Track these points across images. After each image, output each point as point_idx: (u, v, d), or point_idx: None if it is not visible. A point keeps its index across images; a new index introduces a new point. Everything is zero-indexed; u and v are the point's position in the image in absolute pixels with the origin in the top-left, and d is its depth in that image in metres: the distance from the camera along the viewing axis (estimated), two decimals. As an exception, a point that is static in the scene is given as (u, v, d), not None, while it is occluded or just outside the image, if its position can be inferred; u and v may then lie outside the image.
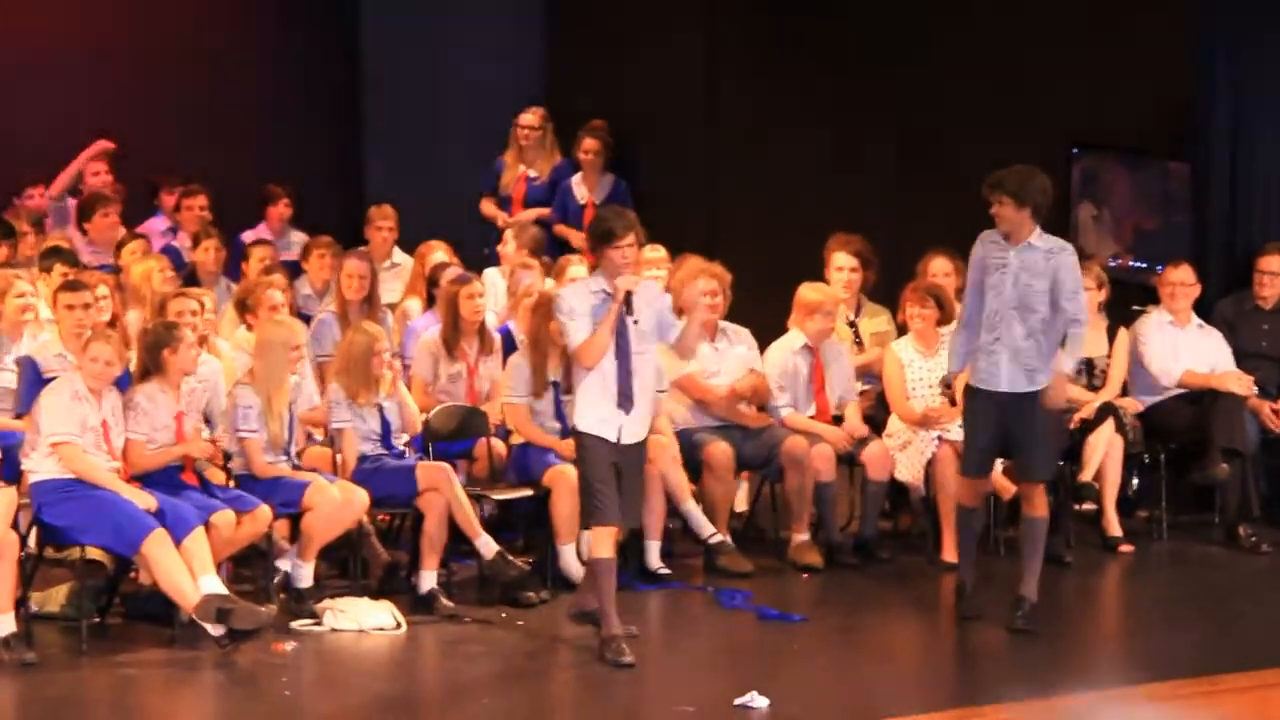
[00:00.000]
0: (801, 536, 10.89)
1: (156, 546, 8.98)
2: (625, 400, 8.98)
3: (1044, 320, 9.56)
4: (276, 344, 9.89)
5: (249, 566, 9.96)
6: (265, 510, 9.45)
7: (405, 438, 10.32)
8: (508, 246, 12.76)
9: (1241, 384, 11.55)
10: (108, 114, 14.46)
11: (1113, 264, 12.75)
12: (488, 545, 9.88)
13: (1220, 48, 12.47)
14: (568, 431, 10.43)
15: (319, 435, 10.45)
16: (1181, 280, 11.78)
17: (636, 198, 14.00)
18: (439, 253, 12.30)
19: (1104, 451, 11.21)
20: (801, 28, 14.23)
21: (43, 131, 14.16)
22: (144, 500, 9.11)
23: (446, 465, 10.07)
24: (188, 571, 9.01)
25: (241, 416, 9.75)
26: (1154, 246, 12.71)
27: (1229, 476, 11.29)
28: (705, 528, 10.65)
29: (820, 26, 14.11)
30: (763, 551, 11.05)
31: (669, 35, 14.90)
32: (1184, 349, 11.72)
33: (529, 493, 10.39)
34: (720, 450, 10.81)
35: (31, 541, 9.25)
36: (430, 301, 11.82)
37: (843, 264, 11.76)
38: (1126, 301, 12.23)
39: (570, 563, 10.23)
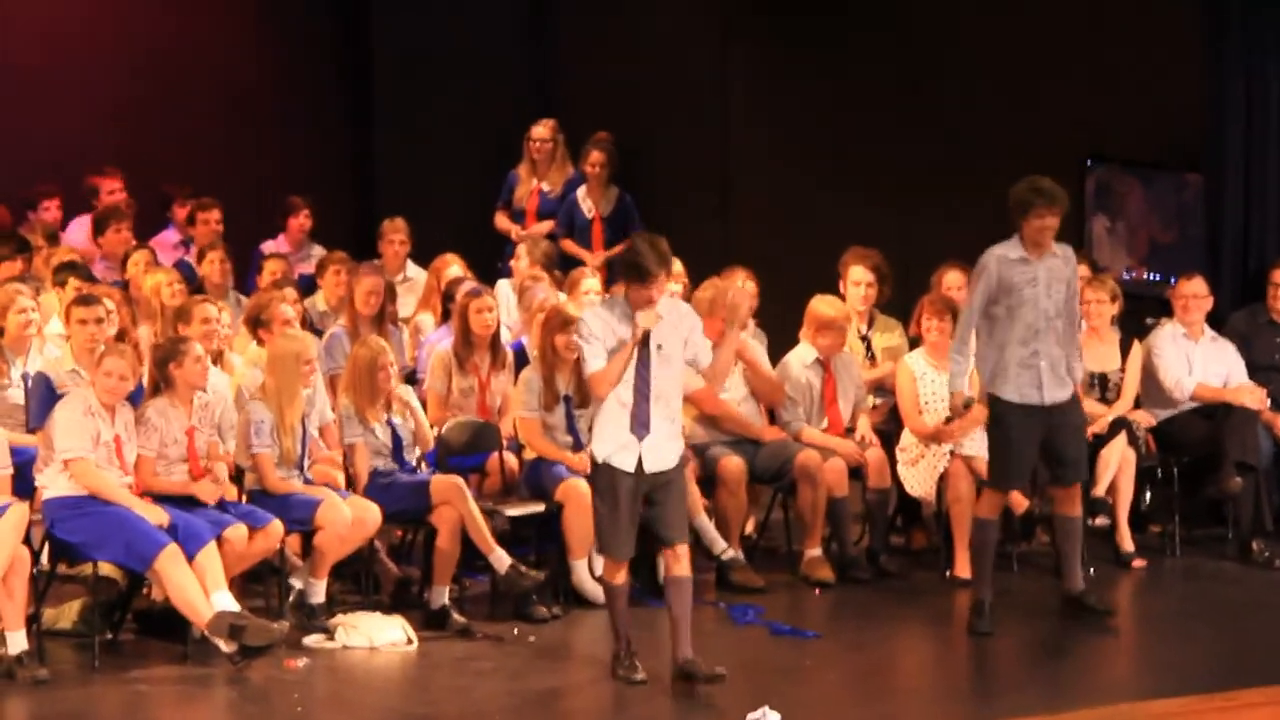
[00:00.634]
0: (814, 551, 10.88)
1: (169, 562, 8.98)
2: (640, 427, 8.65)
3: (1068, 325, 9.69)
4: (288, 358, 9.88)
5: (261, 582, 9.95)
6: (278, 526, 9.44)
7: (418, 452, 10.31)
8: (520, 261, 12.75)
9: (1255, 397, 11.53)
10: (120, 127, 14.50)
11: (1126, 277, 12.76)
12: (500, 560, 9.86)
13: (1234, 60, 12.47)
14: (580, 445, 10.46)
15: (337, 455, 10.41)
16: (1195, 293, 11.77)
17: (646, 210, 14.02)
18: (454, 267, 12.29)
19: (1117, 466, 11.20)
20: (815, 41, 14.24)
21: (57, 145, 14.19)
22: (156, 516, 9.10)
23: (459, 480, 10.06)
24: (200, 587, 9.01)
25: (254, 431, 9.74)
26: (1168, 259, 12.72)
27: (1242, 490, 11.27)
28: (717, 543, 10.64)
29: (834, 40, 14.12)
30: (775, 566, 11.04)
31: (681, 47, 14.91)
32: (1197, 362, 11.70)
33: (541, 507, 10.38)
34: (733, 465, 10.80)
35: (44, 558, 9.26)
36: (446, 315, 11.81)
37: (860, 278, 11.74)
38: (1140, 314, 12.23)
39: (583, 578, 10.23)
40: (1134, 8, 12.92)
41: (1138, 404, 11.65)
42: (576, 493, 10.18)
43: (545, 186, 14.30)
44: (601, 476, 8.76)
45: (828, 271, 11.94)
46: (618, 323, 8.66)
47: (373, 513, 9.75)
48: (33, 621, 9.01)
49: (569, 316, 10.48)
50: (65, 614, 9.56)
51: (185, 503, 9.37)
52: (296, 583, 9.80)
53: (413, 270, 13.20)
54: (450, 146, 15.15)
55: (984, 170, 13.34)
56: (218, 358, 10.56)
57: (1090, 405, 11.27)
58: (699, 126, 14.84)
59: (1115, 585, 11.02)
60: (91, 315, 10.07)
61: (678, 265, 11.78)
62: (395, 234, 13.26)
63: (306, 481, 9.90)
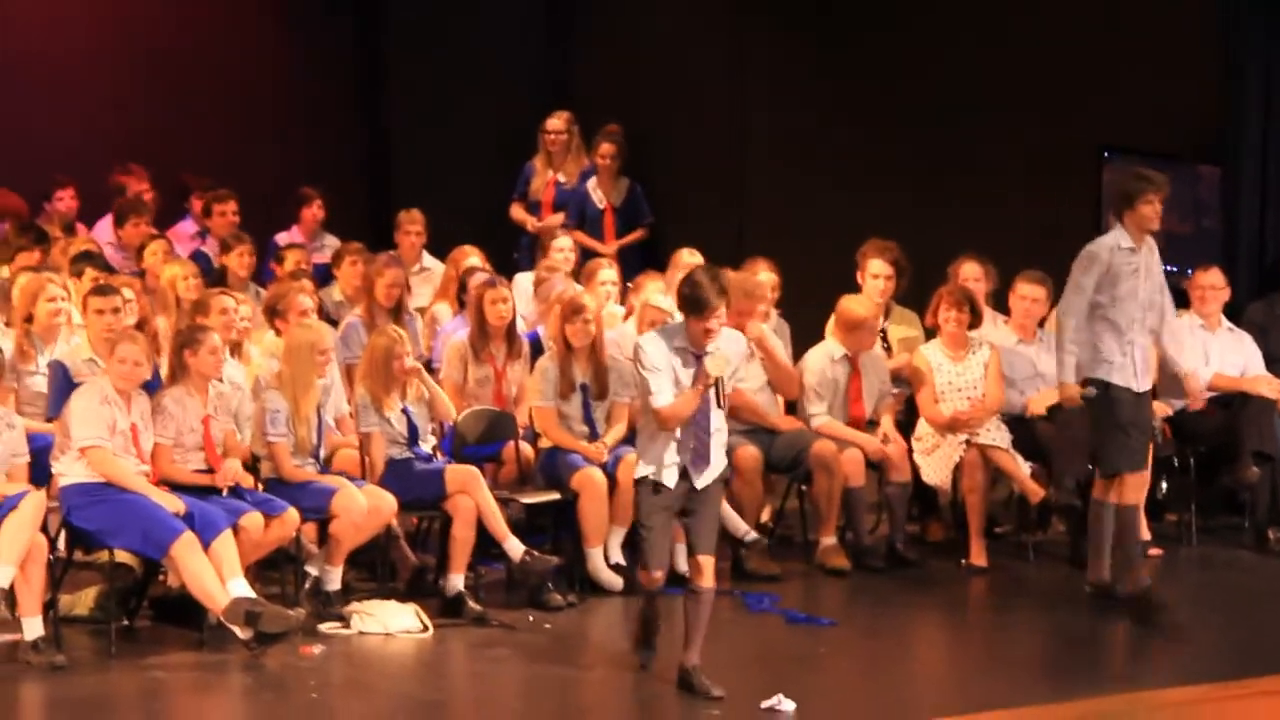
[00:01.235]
0: (829, 540, 10.88)
1: (185, 550, 8.99)
2: (700, 460, 8.44)
3: (1156, 317, 9.96)
4: (303, 348, 9.90)
5: (277, 569, 9.96)
6: (293, 514, 9.45)
7: (433, 441, 10.32)
8: (557, 256, 12.61)
9: (1272, 387, 11.54)
10: (136, 118, 14.53)
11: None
12: (515, 548, 9.87)
13: (1251, 51, 12.46)
14: (596, 435, 10.47)
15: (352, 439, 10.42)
16: (1211, 284, 11.78)
17: (659, 201, 14.05)
18: (473, 258, 12.30)
19: (1134, 455, 11.17)
20: (827, 32, 14.24)
21: (72, 135, 14.23)
22: (172, 503, 9.12)
23: (475, 468, 10.07)
24: (216, 575, 9.02)
25: (270, 420, 9.76)
26: (1184, 250, 12.68)
27: (1258, 480, 11.27)
28: (739, 526, 10.58)
29: (847, 31, 14.11)
30: (791, 555, 11.04)
31: (695, 38, 14.92)
32: (1214, 352, 11.70)
33: (556, 496, 10.39)
34: (749, 454, 10.81)
35: (60, 545, 9.27)
36: (462, 306, 11.83)
37: (879, 271, 11.69)
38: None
39: (598, 566, 10.25)
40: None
41: (1155, 395, 11.63)
42: (592, 482, 10.20)
43: (561, 178, 14.33)
44: (643, 487, 8.52)
45: (840, 262, 11.93)
46: (674, 354, 8.42)
47: (388, 501, 9.76)
48: (49, 608, 9.02)
49: (580, 304, 10.50)
50: (81, 600, 9.58)
51: (201, 491, 9.39)
52: (312, 570, 9.82)
53: (429, 261, 13.22)
54: (466, 138, 15.18)
55: (1000, 162, 13.36)
56: (236, 349, 10.58)
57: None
58: (712, 118, 14.85)
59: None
60: (108, 305, 10.09)
61: (697, 256, 11.81)
62: (411, 225, 13.28)
63: (322, 470, 9.92)
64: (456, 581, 9.84)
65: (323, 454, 9.96)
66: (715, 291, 8.33)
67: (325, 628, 9.51)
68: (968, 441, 10.98)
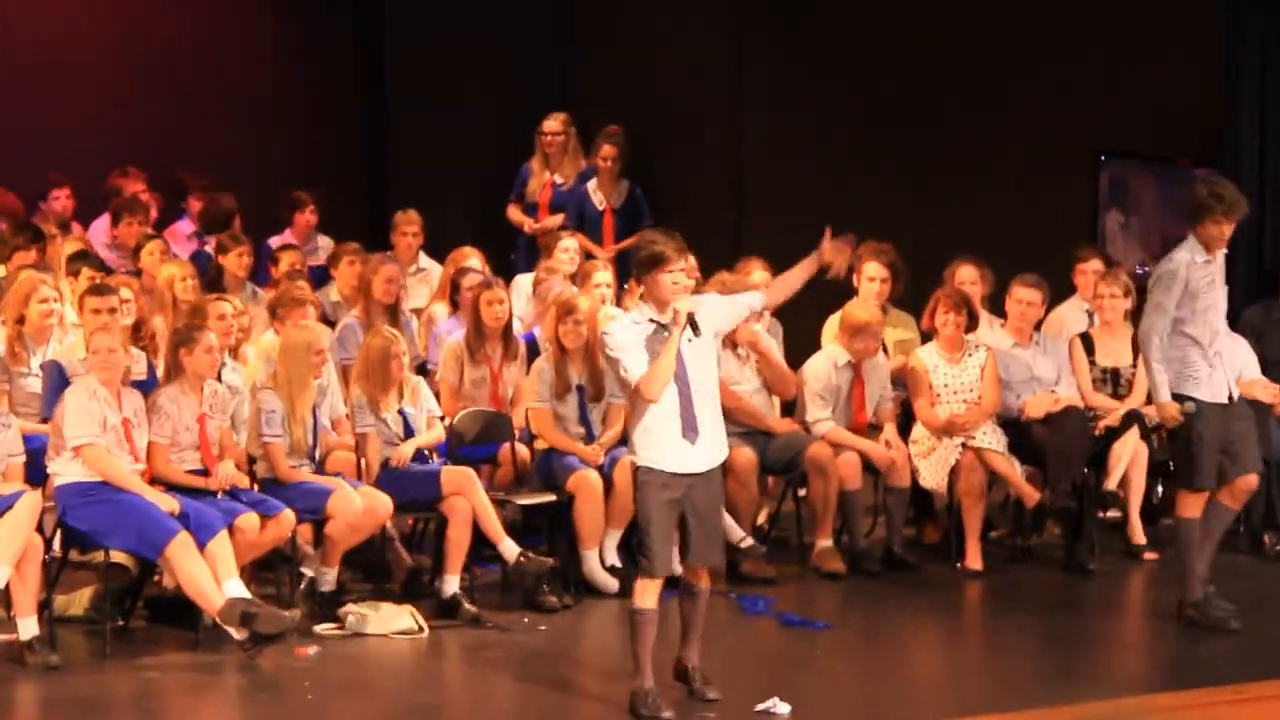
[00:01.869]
0: (825, 543, 10.87)
1: (180, 550, 9.00)
2: (690, 430, 8.19)
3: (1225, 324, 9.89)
4: (299, 348, 9.90)
5: (272, 570, 9.97)
6: (289, 515, 9.45)
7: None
8: (561, 257, 12.59)
9: (1267, 392, 11.51)
10: (135, 118, 14.53)
11: (1140, 271, 12.72)
12: (511, 550, 9.87)
13: (1247, 54, 12.46)
14: (592, 437, 10.47)
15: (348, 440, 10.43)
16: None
17: (657, 204, 14.03)
18: (473, 259, 12.30)
19: (1129, 459, 11.18)
20: (827, 34, 14.24)
21: (70, 135, 14.23)
22: (168, 504, 9.12)
23: (470, 470, 10.07)
24: (211, 575, 9.02)
25: (265, 421, 9.76)
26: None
27: (1255, 485, 11.24)
28: (735, 532, 10.56)
29: (846, 33, 14.12)
30: (786, 558, 11.04)
31: (693, 40, 14.93)
32: (1211, 356, 11.67)
33: (552, 498, 10.39)
34: (744, 456, 10.78)
35: (56, 545, 9.29)
36: (455, 306, 11.83)
37: (874, 274, 11.65)
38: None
39: (594, 568, 10.25)
40: (1148, 1, 12.91)
41: (1149, 399, 11.62)
42: (587, 483, 10.20)
43: (558, 179, 14.32)
44: (642, 480, 8.26)
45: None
46: (645, 329, 8.22)
47: (384, 502, 9.77)
48: (44, 608, 9.04)
49: (573, 304, 10.51)
50: (77, 601, 9.59)
51: (196, 491, 9.39)
52: (308, 571, 9.83)
53: (425, 262, 13.22)
54: (463, 139, 15.18)
55: (997, 164, 13.36)
56: (234, 352, 10.58)
57: (1102, 400, 11.31)
58: (711, 120, 14.85)
59: (1126, 577, 11.03)
60: (105, 305, 10.10)
61: (690, 259, 11.79)
62: (408, 226, 13.27)
63: (318, 471, 9.92)
64: (452, 583, 9.84)
65: (318, 455, 9.97)
66: (673, 246, 8.21)
67: (320, 629, 9.52)
68: (964, 444, 10.97)
